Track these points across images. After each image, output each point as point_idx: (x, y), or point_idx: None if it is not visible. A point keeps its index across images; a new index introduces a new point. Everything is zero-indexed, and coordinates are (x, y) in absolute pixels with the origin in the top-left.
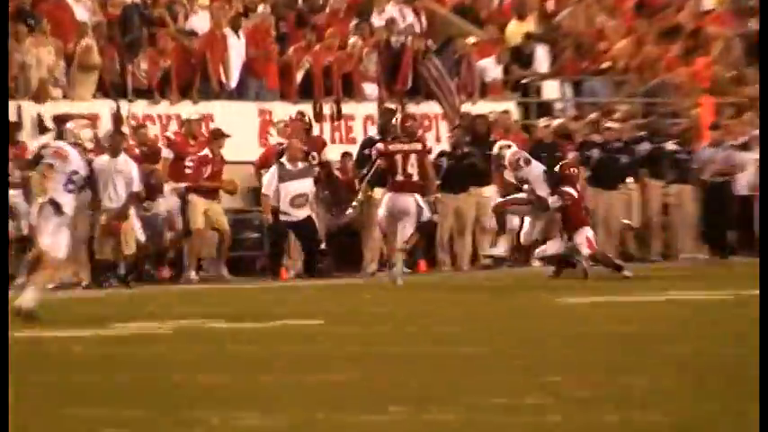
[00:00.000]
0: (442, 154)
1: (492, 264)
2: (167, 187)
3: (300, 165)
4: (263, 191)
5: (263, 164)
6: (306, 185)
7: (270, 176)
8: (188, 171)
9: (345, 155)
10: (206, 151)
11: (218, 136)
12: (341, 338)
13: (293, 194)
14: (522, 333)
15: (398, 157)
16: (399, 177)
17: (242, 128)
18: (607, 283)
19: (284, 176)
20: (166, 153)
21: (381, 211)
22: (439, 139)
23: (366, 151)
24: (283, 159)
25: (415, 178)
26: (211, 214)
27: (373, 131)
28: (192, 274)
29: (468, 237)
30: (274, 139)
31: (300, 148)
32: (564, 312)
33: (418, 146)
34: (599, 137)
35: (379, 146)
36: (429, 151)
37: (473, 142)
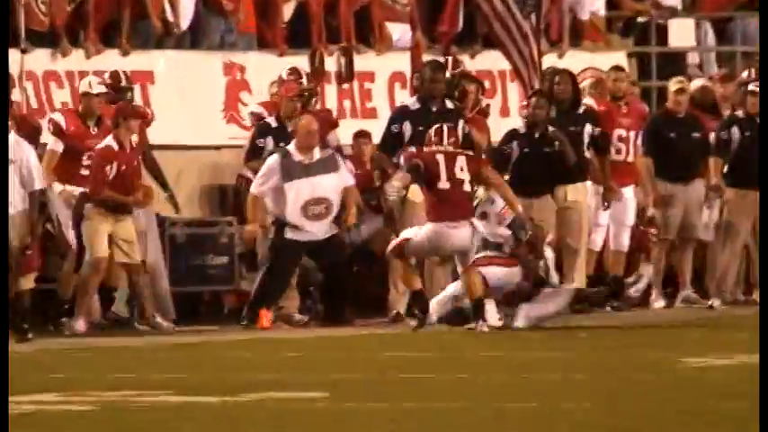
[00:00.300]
0: (511, 136)
1: (586, 307)
2: (55, 190)
3: (318, 153)
4: (252, 189)
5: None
6: (327, 185)
7: (267, 169)
8: (85, 172)
9: (360, 135)
10: (109, 140)
11: (128, 114)
12: (354, 419)
13: (307, 199)
14: (639, 410)
15: (440, 158)
16: (444, 185)
17: (198, 92)
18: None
19: (292, 171)
20: (52, 143)
21: (418, 237)
22: (507, 112)
23: (395, 128)
24: (290, 146)
25: (467, 187)
26: (120, 240)
27: (407, 98)
28: (80, 324)
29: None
30: (249, 109)
31: (315, 128)
32: (695, 379)
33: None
34: (742, 110)
35: (411, 151)
36: (485, 162)
37: (559, 117)
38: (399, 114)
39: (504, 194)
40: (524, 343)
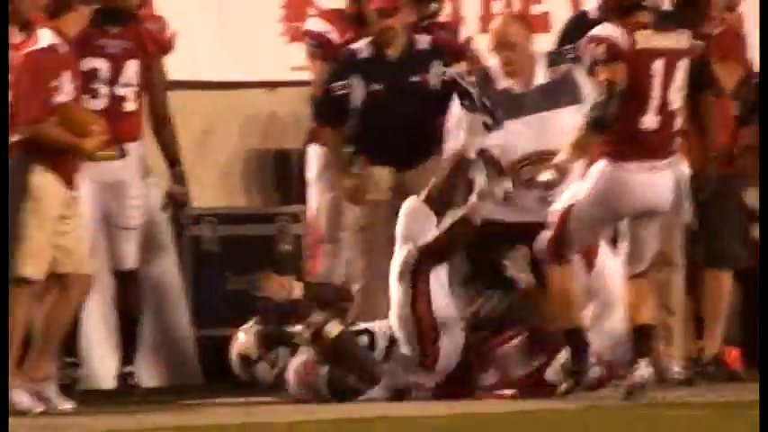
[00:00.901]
0: None
1: None
2: None
3: (542, 74)
4: (450, 150)
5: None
6: (559, 128)
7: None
8: None
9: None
10: (47, 37)
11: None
12: None
13: (520, 155)
14: None
15: (657, 68)
16: (650, 121)
17: None
18: None
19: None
20: None
21: (582, 198)
22: None
23: (571, 50)
24: (494, 62)
25: (677, 125)
26: (64, 232)
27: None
28: (25, 401)
29: None
30: (308, 26)
31: (515, 34)
32: None
33: (682, 39)
34: None
35: (603, 32)
36: (704, 58)
37: None
38: (579, 22)
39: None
40: None
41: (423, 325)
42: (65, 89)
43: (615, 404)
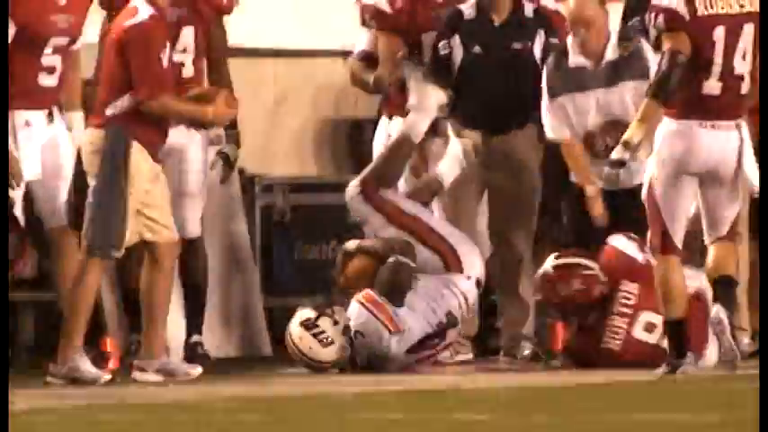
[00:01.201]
0: None
1: None
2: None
3: (611, 50)
4: (548, 132)
5: None
6: (625, 99)
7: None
8: (48, 81)
9: None
10: (143, 6)
11: None
12: None
13: (594, 123)
14: None
15: (719, 34)
16: (712, 87)
17: None
18: None
19: (558, 82)
20: None
21: (656, 160)
22: None
23: (638, 22)
24: (569, 40)
25: (745, 88)
26: (151, 201)
27: None
28: (90, 370)
29: None
30: None
31: (591, 7)
32: None
33: (746, 2)
34: None
35: (663, 1)
36: None
37: None
38: None
39: None
40: None
41: (417, 231)
42: (165, 59)
43: (684, 377)
